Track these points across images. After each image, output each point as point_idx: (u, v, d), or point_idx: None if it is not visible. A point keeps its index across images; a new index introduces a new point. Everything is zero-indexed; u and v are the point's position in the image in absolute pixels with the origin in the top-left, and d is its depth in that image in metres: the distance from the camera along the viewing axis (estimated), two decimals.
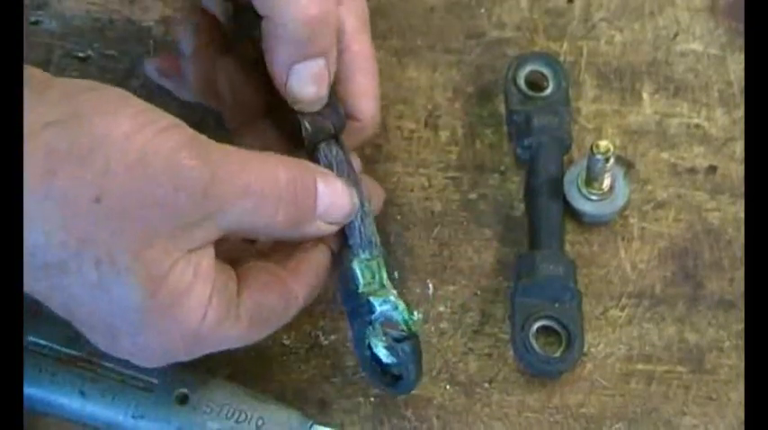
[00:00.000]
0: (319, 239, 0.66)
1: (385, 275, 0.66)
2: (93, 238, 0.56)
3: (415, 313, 0.66)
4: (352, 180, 0.67)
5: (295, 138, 0.69)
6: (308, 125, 0.68)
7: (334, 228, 0.65)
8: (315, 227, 0.64)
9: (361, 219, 0.67)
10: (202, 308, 0.60)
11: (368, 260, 0.66)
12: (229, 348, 0.63)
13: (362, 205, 0.67)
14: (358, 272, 0.66)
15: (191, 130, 0.59)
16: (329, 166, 0.67)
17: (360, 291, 0.66)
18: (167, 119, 0.59)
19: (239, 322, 0.62)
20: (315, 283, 0.67)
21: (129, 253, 0.56)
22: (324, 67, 0.66)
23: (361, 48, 0.71)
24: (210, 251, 0.60)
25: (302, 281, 0.65)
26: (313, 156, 0.68)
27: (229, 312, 0.61)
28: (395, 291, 0.66)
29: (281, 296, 0.64)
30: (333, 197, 0.64)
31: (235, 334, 0.62)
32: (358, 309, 0.66)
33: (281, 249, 0.66)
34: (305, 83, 0.66)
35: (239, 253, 0.66)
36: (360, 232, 0.66)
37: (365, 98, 0.71)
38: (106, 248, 0.56)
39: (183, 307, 0.59)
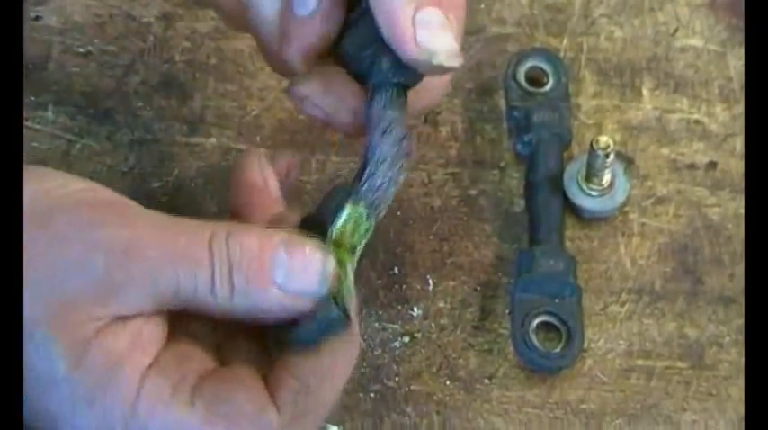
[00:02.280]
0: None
1: (352, 266, 0.59)
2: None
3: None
4: (395, 138, 0.59)
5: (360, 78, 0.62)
6: (384, 64, 0.59)
7: (300, 305, 0.56)
8: (271, 296, 0.55)
9: (389, 179, 0.59)
10: (136, 382, 0.53)
11: (362, 216, 0.59)
12: None
13: (398, 164, 0.59)
14: (344, 216, 0.58)
15: (109, 193, 0.56)
16: (378, 119, 0.60)
17: (330, 235, 0.58)
18: (85, 182, 0.56)
19: (191, 410, 0.54)
20: (298, 391, 0.56)
21: (47, 319, 0.53)
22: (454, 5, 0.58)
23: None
24: (157, 321, 0.55)
25: (280, 385, 0.56)
26: (368, 102, 0.60)
27: (177, 394, 0.54)
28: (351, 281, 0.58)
29: (249, 395, 0.55)
30: (296, 263, 0.55)
31: (183, 421, 0.54)
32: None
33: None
34: (437, 32, 0.57)
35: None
36: (378, 186, 0.59)
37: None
38: (26, 321, 0.53)
39: (114, 379, 0.53)
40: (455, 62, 0.58)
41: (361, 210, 0.59)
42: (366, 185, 0.59)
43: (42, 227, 0.54)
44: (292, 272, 0.55)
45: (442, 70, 0.59)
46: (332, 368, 0.57)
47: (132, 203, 0.56)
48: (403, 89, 0.61)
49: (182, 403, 0.54)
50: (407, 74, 0.60)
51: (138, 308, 0.54)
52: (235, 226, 0.56)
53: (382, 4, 0.58)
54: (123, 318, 0.54)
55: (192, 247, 0.54)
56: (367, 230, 0.59)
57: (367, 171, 0.59)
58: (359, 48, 0.61)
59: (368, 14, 0.59)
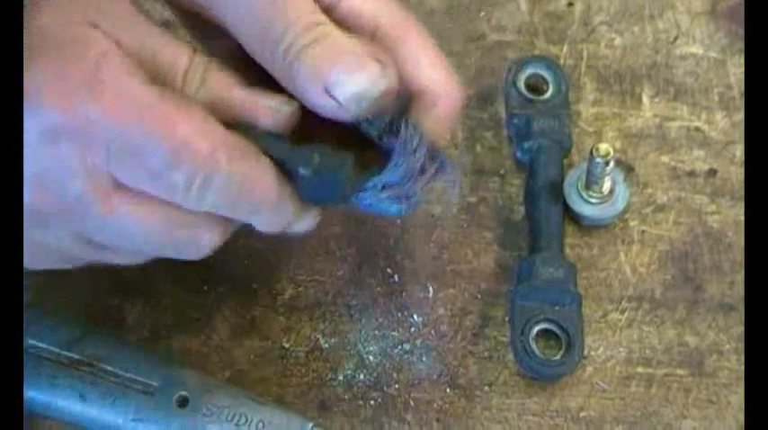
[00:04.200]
0: None
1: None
2: None
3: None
4: (409, 166, 0.61)
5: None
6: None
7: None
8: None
9: (412, 177, 0.61)
10: (103, 43, 0.57)
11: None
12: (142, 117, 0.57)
13: (425, 170, 0.61)
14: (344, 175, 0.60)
15: None
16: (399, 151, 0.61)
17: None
18: None
19: (150, 92, 0.57)
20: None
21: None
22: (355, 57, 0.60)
23: (391, 18, 0.63)
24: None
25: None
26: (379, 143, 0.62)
27: (137, 72, 0.57)
28: None
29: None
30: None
31: (140, 98, 0.57)
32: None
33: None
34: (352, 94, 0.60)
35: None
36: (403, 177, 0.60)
37: (424, 68, 0.63)
38: None
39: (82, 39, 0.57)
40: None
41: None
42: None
43: None
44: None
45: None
46: None
47: None
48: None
49: (138, 80, 0.57)
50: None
51: None
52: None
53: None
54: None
55: None
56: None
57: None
58: None
59: None
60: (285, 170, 0.60)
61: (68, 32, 0.57)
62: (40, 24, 0.56)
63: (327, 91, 0.59)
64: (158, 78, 0.58)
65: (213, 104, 0.59)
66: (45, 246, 0.60)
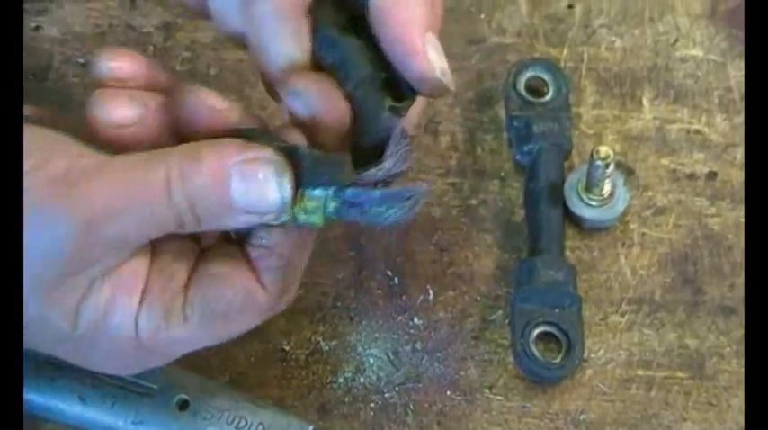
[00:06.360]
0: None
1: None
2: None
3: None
4: (400, 155, 0.61)
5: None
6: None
7: (266, 219, 0.58)
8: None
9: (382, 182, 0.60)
10: (131, 321, 0.58)
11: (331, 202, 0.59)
12: (195, 349, 0.60)
13: (392, 173, 0.61)
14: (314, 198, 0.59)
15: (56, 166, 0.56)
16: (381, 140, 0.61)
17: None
18: (34, 158, 0.56)
19: (188, 323, 0.59)
20: (283, 267, 0.60)
21: (37, 300, 0.56)
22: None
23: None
24: (138, 258, 0.58)
25: (264, 266, 0.60)
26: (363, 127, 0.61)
27: (171, 315, 0.58)
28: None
29: (235, 287, 0.59)
30: (252, 187, 0.57)
31: (186, 336, 0.59)
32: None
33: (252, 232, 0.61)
34: (439, 54, 0.61)
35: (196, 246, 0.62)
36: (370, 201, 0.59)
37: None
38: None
39: (109, 326, 0.58)
40: (452, 84, 0.62)
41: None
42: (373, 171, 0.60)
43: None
44: (251, 195, 0.57)
45: (442, 89, 0.61)
46: (306, 238, 0.61)
47: (85, 161, 0.56)
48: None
49: (175, 321, 0.58)
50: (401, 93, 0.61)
51: (112, 265, 0.57)
52: (186, 157, 0.57)
53: (392, 28, 0.60)
54: (103, 276, 0.57)
55: (151, 195, 0.56)
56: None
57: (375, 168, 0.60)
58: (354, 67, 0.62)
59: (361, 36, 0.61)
60: (289, 158, 0.59)
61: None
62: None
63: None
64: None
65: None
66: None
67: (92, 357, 0.60)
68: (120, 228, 0.56)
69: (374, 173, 0.60)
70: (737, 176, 0.78)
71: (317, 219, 0.59)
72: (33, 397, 0.68)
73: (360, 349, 0.73)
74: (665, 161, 0.79)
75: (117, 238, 0.56)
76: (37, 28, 0.83)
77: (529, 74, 0.80)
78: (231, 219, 0.58)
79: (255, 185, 0.57)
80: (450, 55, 0.81)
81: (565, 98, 0.79)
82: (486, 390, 0.72)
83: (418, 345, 0.73)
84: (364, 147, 0.62)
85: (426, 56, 0.60)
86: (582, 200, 0.75)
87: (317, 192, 0.58)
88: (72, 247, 0.55)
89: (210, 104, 0.59)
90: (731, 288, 0.75)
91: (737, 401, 0.71)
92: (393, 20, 0.60)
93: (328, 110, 0.61)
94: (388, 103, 0.61)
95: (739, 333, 0.73)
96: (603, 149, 0.73)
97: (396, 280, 0.74)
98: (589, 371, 0.72)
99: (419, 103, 0.63)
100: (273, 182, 0.57)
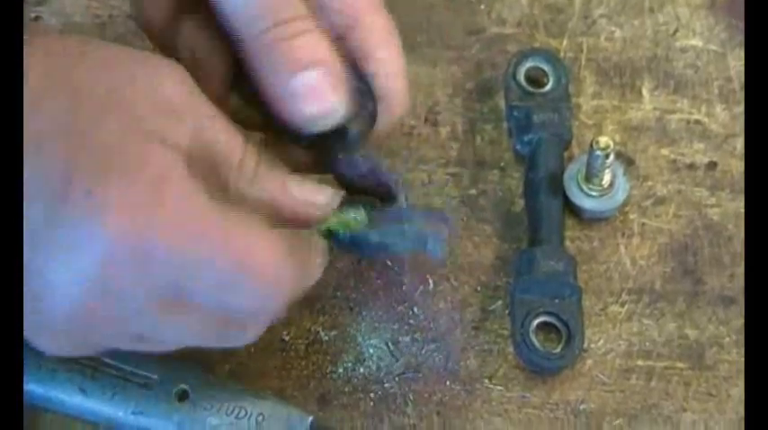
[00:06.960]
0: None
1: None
2: None
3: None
4: (385, 188, 0.65)
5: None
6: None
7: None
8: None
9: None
10: (166, 159, 0.56)
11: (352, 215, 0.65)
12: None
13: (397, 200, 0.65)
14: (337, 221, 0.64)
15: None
16: (354, 178, 0.65)
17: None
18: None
19: (211, 211, 0.57)
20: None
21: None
22: (325, 73, 0.60)
23: (373, 20, 0.65)
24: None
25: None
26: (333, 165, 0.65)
27: (198, 191, 0.57)
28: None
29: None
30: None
31: (201, 221, 0.57)
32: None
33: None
34: (306, 101, 0.61)
35: None
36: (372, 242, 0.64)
37: (389, 77, 0.64)
38: None
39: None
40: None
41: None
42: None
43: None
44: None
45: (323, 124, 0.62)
46: None
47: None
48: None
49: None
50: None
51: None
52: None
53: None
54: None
55: None
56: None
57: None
58: None
59: None
60: None
61: (132, 148, 0.56)
62: (103, 137, 0.55)
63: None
64: (213, 171, 0.59)
65: (268, 205, 0.60)
66: (82, 341, 0.60)
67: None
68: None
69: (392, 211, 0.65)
70: (737, 166, 0.78)
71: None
72: (33, 387, 0.68)
73: (360, 339, 0.73)
74: (664, 151, 0.79)
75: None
76: (37, 18, 0.82)
77: (529, 64, 0.79)
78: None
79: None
80: (449, 46, 0.82)
81: (565, 88, 0.79)
82: (486, 380, 0.72)
83: (418, 335, 0.73)
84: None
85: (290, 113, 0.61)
86: (582, 190, 0.75)
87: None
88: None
89: None
90: (731, 278, 0.75)
91: (737, 391, 0.71)
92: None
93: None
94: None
95: (739, 323, 0.73)
96: (603, 140, 0.73)
97: (395, 270, 0.74)
98: (589, 362, 0.72)
99: (385, 117, 0.65)
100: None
